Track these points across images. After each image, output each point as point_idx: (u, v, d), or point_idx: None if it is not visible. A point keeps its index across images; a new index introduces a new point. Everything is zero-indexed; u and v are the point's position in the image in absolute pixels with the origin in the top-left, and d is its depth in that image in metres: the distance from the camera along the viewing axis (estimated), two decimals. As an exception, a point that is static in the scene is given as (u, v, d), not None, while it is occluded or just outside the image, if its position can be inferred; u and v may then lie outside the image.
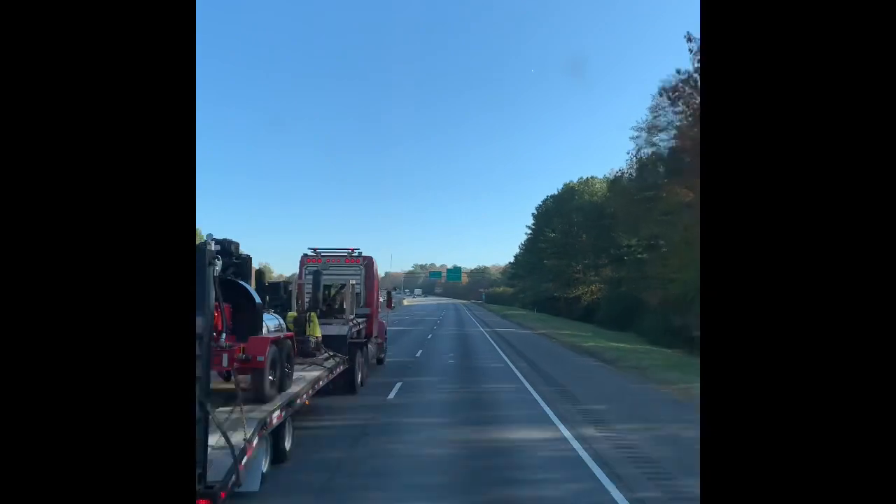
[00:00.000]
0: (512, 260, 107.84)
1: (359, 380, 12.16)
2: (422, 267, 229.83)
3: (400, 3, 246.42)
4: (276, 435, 6.72)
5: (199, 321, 4.93)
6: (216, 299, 6.09)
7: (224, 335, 6.28)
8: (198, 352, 4.77)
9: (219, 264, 6.18)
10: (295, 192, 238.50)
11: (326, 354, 10.35)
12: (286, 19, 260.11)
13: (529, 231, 77.77)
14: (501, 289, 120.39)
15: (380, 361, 16.57)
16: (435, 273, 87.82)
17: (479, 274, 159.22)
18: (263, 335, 7.14)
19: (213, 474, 4.85)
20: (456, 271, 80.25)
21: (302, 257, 14.41)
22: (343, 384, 11.20)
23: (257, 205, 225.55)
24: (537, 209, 76.10)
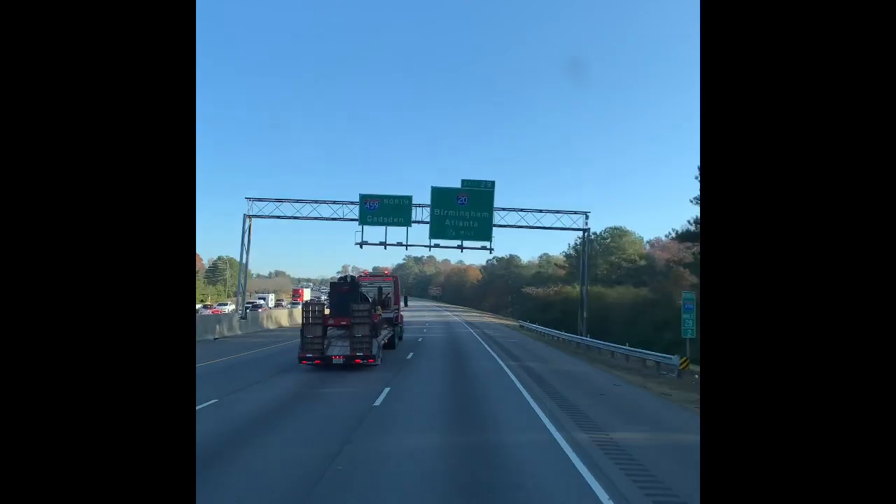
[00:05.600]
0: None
1: (396, 342, 23.97)
2: (416, 260, 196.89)
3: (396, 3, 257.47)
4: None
5: (366, 306, 16.78)
6: (363, 300, 18.07)
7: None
8: (363, 314, 16.53)
9: (365, 288, 18.47)
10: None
11: (386, 326, 22.07)
12: (286, 19, 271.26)
13: None
14: (617, 290, 47.47)
15: (400, 338, 28.30)
16: (394, 199, 31.72)
17: (504, 267, 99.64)
18: (374, 314, 18.90)
19: (371, 351, 16.54)
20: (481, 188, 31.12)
21: (358, 276, 26.46)
22: (389, 343, 22.85)
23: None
24: None
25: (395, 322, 24.47)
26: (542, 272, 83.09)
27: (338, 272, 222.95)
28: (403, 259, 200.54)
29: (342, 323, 17.51)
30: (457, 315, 68.86)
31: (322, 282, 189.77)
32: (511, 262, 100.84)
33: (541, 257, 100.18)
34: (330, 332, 18.84)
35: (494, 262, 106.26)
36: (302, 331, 16.72)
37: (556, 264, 79.31)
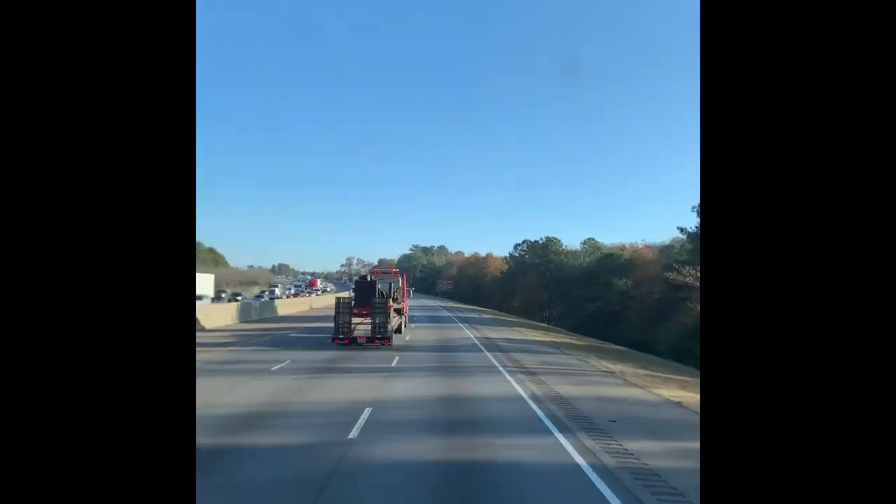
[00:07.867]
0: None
1: (402, 329, 29.87)
2: (424, 250, 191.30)
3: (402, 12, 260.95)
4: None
5: (383, 299, 22.61)
6: (379, 294, 24.03)
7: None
8: (381, 305, 22.36)
9: (379, 284, 24.47)
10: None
11: (395, 315, 27.80)
12: (290, 29, 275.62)
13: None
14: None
15: (406, 325, 34.18)
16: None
17: (539, 255, 74.58)
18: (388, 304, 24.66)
19: (387, 333, 22.42)
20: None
21: (371, 273, 32.41)
22: (398, 328, 28.50)
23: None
24: None
25: (402, 312, 30.44)
26: (618, 256, 61.81)
27: (342, 265, 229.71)
28: (410, 249, 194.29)
29: (364, 312, 23.42)
30: (483, 343, 26.58)
31: (327, 276, 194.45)
32: (548, 246, 72.40)
33: (584, 243, 76.35)
34: (354, 319, 24.61)
35: (523, 250, 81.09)
36: (335, 318, 22.86)
37: (679, 244, 50.34)
